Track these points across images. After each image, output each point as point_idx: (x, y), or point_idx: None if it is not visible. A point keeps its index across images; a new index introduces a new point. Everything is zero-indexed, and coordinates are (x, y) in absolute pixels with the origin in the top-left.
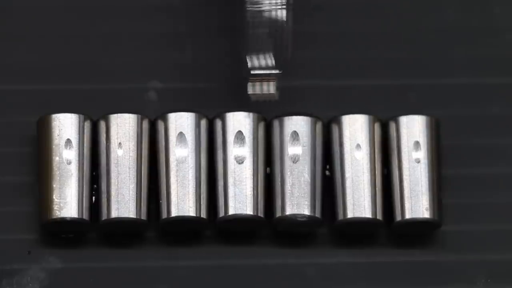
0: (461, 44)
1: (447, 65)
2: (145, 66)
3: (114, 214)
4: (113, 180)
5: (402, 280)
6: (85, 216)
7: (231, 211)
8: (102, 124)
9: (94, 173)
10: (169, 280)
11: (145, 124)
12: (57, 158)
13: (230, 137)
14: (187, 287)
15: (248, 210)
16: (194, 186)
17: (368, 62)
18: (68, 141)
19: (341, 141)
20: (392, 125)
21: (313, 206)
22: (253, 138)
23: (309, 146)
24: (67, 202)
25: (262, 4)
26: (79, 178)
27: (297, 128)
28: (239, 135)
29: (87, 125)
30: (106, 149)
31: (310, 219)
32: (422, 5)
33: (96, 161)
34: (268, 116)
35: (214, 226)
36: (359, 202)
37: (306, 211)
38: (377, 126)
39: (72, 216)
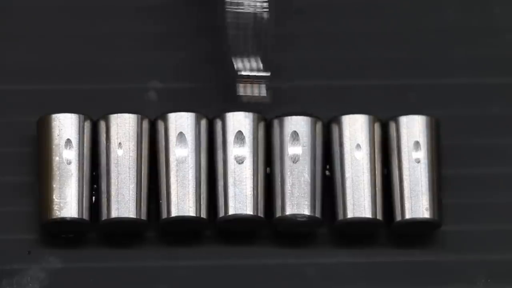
0: (461, 44)
1: (447, 65)
2: (145, 66)
3: (114, 214)
4: (113, 180)
5: (402, 280)
6: (85, 216)
7: (231, 211)
8: (102, 124)
9: (94, 173)
10: (169, 280)
11: (145, 124)
12: (57, 158)
13: (230, 137)
14: (187, 287)
15: (248, 210)
16: (194, 186)
17: (368, 62)
18: (68, 141)
19: (341, 141)
20: (392, 125)
21: (313, 206)
22: (253, 138)
23: (309, 146)
24: (67, 202)
25: (243, 5)
26: (79, 178)
27: (297, 128)
28: (239, 135)
29: (87, 125)
30: (106, 149)
31: (310, 219)
32: (422, 5)
33: (96, 161)
34: (268, 116)
35: (214, 226)
36: (359, 202)
37: (306, 211)
38: (377, 126)
39: (72, 216)
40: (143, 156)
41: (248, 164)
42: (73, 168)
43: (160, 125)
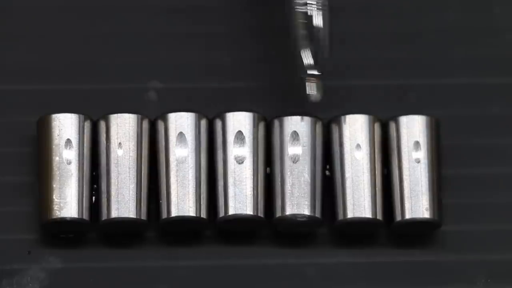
0: (461, 44)
1: (447, 65)
2: (145, 66)
3: (114, 214)
4: (113, 180)
5: (402, 280)
6: (85, 216)
7: (231, 211)
8: (102, 124)
9: (94, 173)
10: (169, 280)
11: (145, 124)
12: (57, 158)
13: (230, 137)
14: (187, 287)
15: (248, 210)
16: (194, 186)
17: (368, 62)
18: (68, 141)
19: (341, 141)
20: (392, 125)
21: (313, 206)
22: (253, 138)
23: (309, 146)
24: (67, 202)
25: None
26: (79, 178)
27: (297, 128)
28: (239, 135)
29: (87, 125)
30: (106, 149)
31: (310, 219)
32: (422, 5)
33: (96, 161)
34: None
35: (214, 226)
36: (359, 202)
37: (306, 211)
38: (377, 126)
39: (72, 216)
40: (143, 156)
41: (248, 164)
42: (73, 168)
43: (160, 125)
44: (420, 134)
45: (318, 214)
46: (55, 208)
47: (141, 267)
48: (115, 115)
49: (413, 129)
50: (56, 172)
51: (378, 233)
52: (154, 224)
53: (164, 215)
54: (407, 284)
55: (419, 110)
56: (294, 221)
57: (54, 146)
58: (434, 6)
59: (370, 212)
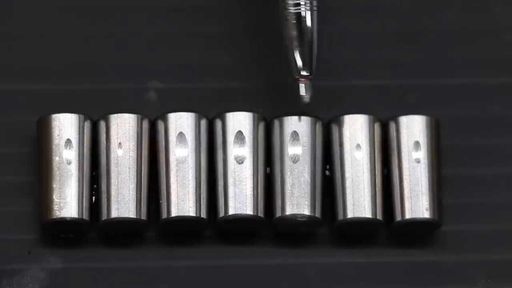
0: (461, 44)
1: (447, 65)
2: (145, 66)
3: (114, 214)
4: (113, 180)
5: (402, 280)
6: (85, 216)
7: (231, 211)
8: (102, 124)
9: (94, 173)
10: (169, 280)
11: (145, 124)
12: (57, 158)
13: (230, 137)
14: (187, 287)
15: (248, 210)
16: (194, 186)
17: (368, 62)
18: (68, 141)
19: (341, 141)
20: (392, 125)
21: (313, 206)
22: (253, 138)
23: (309, 146)
24: (67, 202)
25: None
26: (79, 178)
27: (297, 128)
28: (239, 135)
29: (87, 125)
30: (106, 149)
31: (310, 219)
32: (422, 5)
33: (96, 161)
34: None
35: (214, 226)
36: (359, 202)
37: (306, 211)
38: (377, 126)
39: (72, 216)
40: (143, 156)
41: (248, 164)
42: (73, 168)
43: (160, 125)
44: (420, 134)
45: (318, 214)
46: (55, 208)
47: (141, 267)
48: (115, 115)
49: (413, 129)
50: (56, 172)
51: (378, 233)
52: (154, 224)
53: (164, 215)
54: (407, 284)
55: (419, 110)
56: (294, 221)
57: (54, 146)
58: (434, 6)
59: (370, 212)
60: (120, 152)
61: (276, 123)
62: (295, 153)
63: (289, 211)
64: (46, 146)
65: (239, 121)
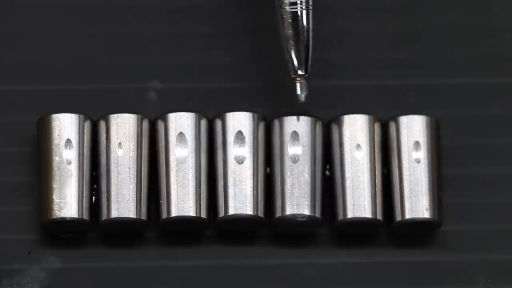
0: (461, 44)
1: (447, 65)
2: (145, 66)
3: (114, 214)
4: (113, 180)
5: (402, 280)
6: (85, 216)
7: (231, 211)
8: (102, 124)
9: (94, 173)
10: (169, 280)
11: (145, 124)
12: (57, 158)
13: (230, 137)
14: (187, 287)
15: (248, 210)
16: (194, 186)
17: (368, 62)
18: (68, 141)
19: (341, 141)
20: (392, 125)
21: (313, 206)
22: (253, 138)
23: (309, 146)
24: (67, 202)
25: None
26: (79, 178)
27: (297, 128)
28: (239, 135)
29: (87, 125)
30: (106, 149)
31: (310, 219)
32: (422, 5)
33: (96, 161)
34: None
35: (214, 226)
36: (359, 202)
37: (306, 211)
38: (377, 126)
39: (72, 216)
40: (143, 156)
41: (248, 164)
42: (73, 168)
43: (160, 125)
44: (420, 134)
45: (318, 214)
46: (55, 208)
47: (141, 267)
48: (115, 115)
49: (413, 129)
50: (56, 172)
51: (378, 233)
52: (154, 224)
53: (164, 215)
54: (407, 284)
55: (419, 110)
56: (294, 221)
57: (54, 146)
58: (434, 6)
59: (370, 212)
60: (120, 152)
61: (276, 123)
62: (295, 153)
63: (289, 211)
64: (46, 146)
65: (239, 121)
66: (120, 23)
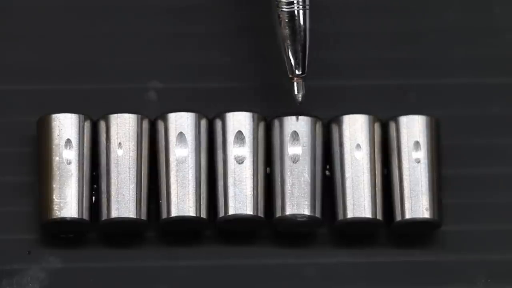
0: (461, 44)
1: (447, 65)
2: (145, 66)
3: (114, 214)
4: (113, 180)
5: (402, 280)
6: (85, 216)
7: (231, 211)
8: (102, 124)
9: (94, 173)
10: (169, 280)
11: (145, 124)
12: (57, 158)
13: (230, 137)
14: (187, 287)
15: (248, 210)
16: (194, 186)
17: (368, 62)
18: (68, 141)
19: (341, 141)
20: (392, 125)
21: (313, 206)
22: (253, 138)
23: (309, 146)
24: (67, 202)
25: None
26: (79, 178)
27: (297, 128)
28: (239, 135)
29: (87, 125)
30: (106, 149)
31: (310, 219)
32: (422, 5)
33: (96, 161)
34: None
35: (214, 226)
36: (359, 202)
37: (306, 211)
38: (377, 126)
39: (72, 216)
40: (143, 156)
41: (248, 164)
42: (73, 168)
43: (160, 125)
44: (420, 134)
45: (318, 214)
46: (55, 208)
47: (141, 267)
48: (115, 115)
49: (413, 129)
50: (56, 172)
51: (378, 233)
52: (154, 224)
53: (164, 215)
54: (407, 284)
55: (419, 110)
56: (294, 221)
57: (54, 146)
58: (434, 6)
59: (370, 212)
60: (120, 152)
61: (276, 123)
62: (295, 153)
63: (289, 211)
64: (46, 146)
65: (239, 121)
66: (120, 23)
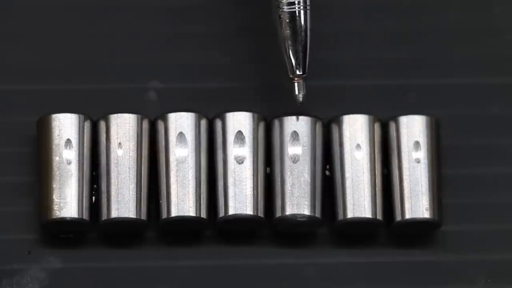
0: (461, 44)
1: (447, 65)
2: (145, 66)
3: (114, 214)
4: (113, 180)
5: (402, 280)
6: (85, 216)
7: (231, 211)
8: (102, 124)
9: (94, 173)
10: (169, 280)
11: (145, 124)
12: (57, 158)
13: (230, 137)
14: (187, 287)
15: (248, 210)
16: (194, 186)
17: (368, 62)
18: (68, 141)
19: (341, 141)
20: (392, 125)
21: (313, 206)
22: (253, 138)
23: (309, 146)
24: (67, 202)
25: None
26: (79, 178)
27: (297, 128)
28: (239, 135)
29: (87, 125)
30: (106, 149)
31: (310, 219)
32: (422, 5)
33: (96, 161)
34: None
35: (214, 226)
36: (359, 202)
37: (306, 211)
38: (377, 126)
39: (72, 216)
40: (143, 156)
41: (248, 164)
42: (73, 168)
43: (160, 125)
44: (420, 134)
45: (318, 214)
46: (55, 208)
47: (141, 267)
48: (115, 115)
49: (413, 129)
50: (56, 172)
51: (378, 233)
52: (154, 224)
53: (164, 215)
54: (407, 284)
55: (419, 110)
56: (294, 221)
57: (54, 146)
58: (434, 6)
59: (370, 212)
60: (120, 152)
61: (276, 123)
62: (295, 153)
63: (289, 211)
64: (46, 146)
65: (239, 121)
66: (120, 23)
